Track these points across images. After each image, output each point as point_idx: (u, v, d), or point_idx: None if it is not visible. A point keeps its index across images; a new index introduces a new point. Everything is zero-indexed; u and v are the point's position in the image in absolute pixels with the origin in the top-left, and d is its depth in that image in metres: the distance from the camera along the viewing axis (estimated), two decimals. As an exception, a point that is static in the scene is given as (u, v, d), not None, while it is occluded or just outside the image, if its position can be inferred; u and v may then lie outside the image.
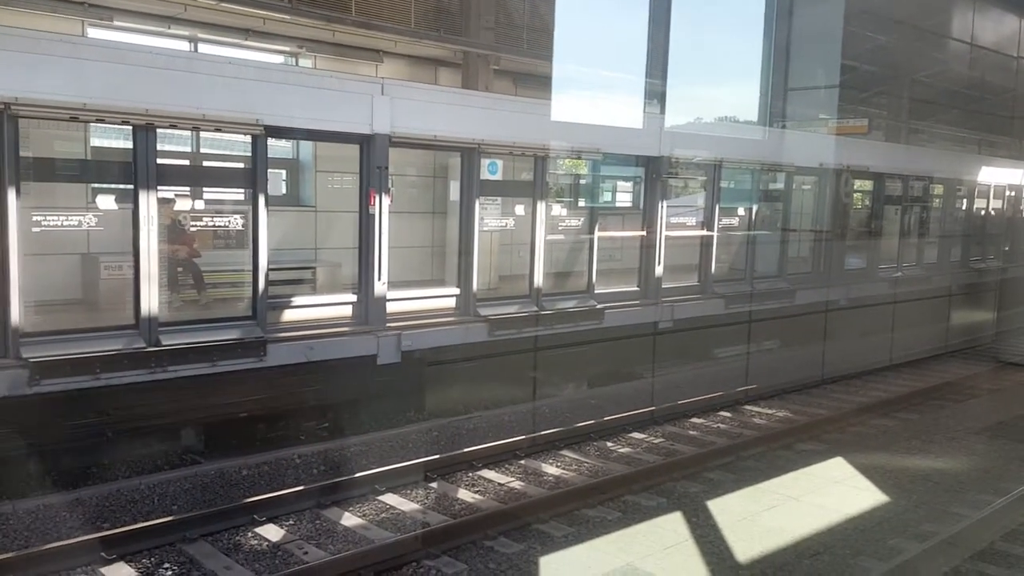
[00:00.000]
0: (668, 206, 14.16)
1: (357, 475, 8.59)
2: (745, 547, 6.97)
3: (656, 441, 10.48)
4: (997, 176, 22.02)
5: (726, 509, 7.85)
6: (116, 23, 12.14)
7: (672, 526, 7.51)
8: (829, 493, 8.48)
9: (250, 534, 7.32)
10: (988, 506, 8.05)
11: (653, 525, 7.47)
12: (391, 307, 10.94)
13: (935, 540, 7.14)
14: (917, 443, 10.58)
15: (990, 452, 10.28)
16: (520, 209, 12.72)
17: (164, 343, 8.93)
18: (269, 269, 9.84)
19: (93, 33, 11.99)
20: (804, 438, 10.69)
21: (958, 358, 16.84)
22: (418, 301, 11.53)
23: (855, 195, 18.01)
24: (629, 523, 7.53)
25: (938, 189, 20.45)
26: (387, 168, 10.59)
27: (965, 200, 21.60)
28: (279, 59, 14.46)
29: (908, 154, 20.31)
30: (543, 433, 10.25)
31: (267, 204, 9.73)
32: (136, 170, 8.82)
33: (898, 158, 19.21)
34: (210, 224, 10.22)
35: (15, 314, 8.15)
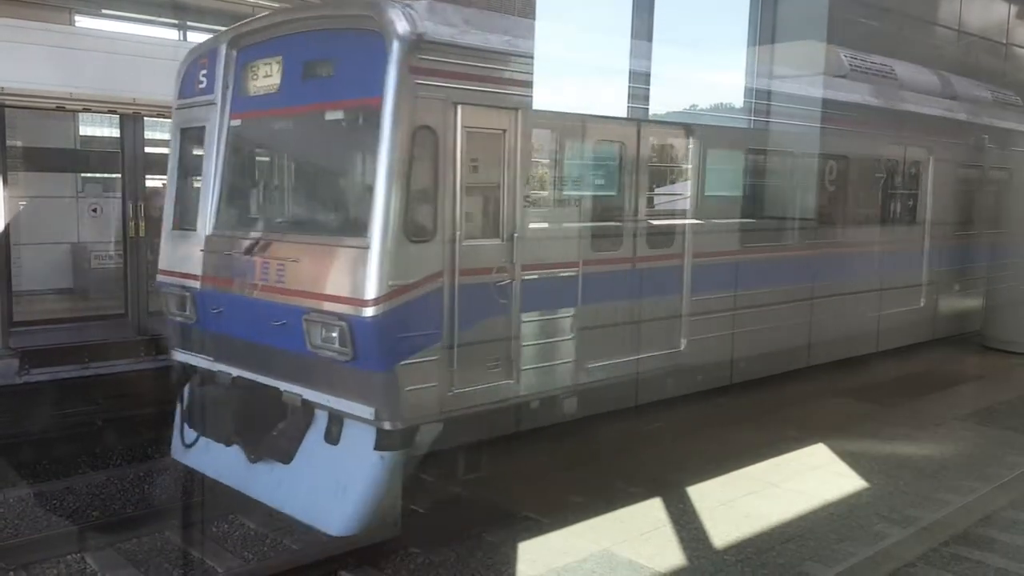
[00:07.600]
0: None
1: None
2: (722, 531, 7.06)
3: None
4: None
5: (706, 495, 7.92)
6: (104, 12, 12.11)
7: (652, 512, 7.57)
8: (809, 479, 8.54)
9: (236, 524, 7.39)
10: (971, 492, 8.12)
11: (632, 511, 7.53)
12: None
13: (916, 526, 7.22)
14: (904, 429, 10.61)
15: (976, 438, 10.33)
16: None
17: (153, 331, 8.98)
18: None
19: (81, 22, 11.95)
20: (787, 424, 10.72)
21: (944, 344, 16.84)
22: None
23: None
24: (610, 509, 7.59)
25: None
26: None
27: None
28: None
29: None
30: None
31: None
32: (124, 159, 8.85)
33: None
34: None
35: (3, 304, 8.20)
